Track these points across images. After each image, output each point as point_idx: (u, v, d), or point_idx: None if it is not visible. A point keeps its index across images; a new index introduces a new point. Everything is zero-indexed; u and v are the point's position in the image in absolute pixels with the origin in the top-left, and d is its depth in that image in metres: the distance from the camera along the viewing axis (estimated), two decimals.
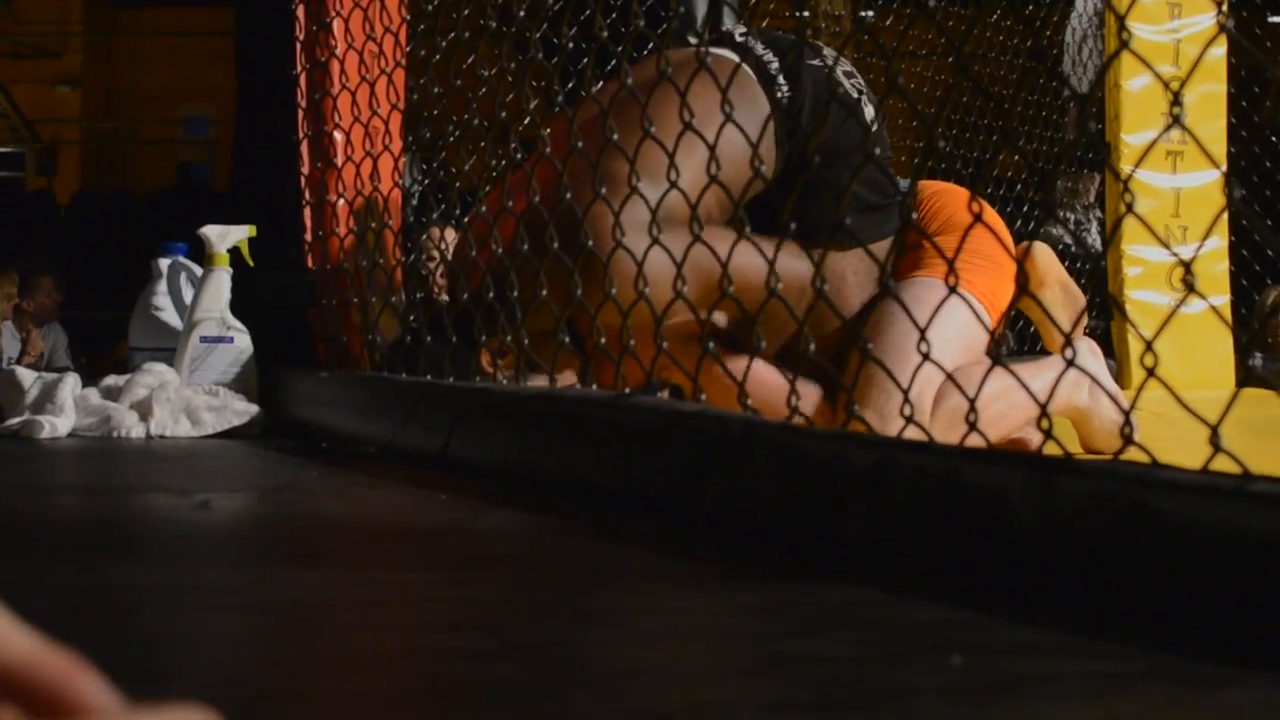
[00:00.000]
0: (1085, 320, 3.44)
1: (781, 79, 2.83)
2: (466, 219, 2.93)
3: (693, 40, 3.14)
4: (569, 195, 2.34)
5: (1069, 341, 1.43)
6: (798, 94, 2.81)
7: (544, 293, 2.36)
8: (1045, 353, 3.67)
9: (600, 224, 2.36)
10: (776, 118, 2.77)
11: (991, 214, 3.06)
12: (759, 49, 2.85)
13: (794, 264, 2.44)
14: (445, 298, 2.69)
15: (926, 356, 1.56)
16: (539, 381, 2.59)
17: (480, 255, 2.63)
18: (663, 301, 2.07)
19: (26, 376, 2.97)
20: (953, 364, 2.66)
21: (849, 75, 2.94)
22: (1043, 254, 3.34)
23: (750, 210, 2.06)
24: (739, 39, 2.90)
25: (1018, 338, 6.12)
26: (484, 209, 2.76)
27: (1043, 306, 3.27)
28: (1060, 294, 3.35)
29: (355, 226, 3.18)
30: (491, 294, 2.53)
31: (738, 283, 1.98)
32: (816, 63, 2.87)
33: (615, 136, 2.25)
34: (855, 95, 2.91)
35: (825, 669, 0.99)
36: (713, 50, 2.57)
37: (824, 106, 2.79)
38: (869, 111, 2.92)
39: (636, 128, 2.20)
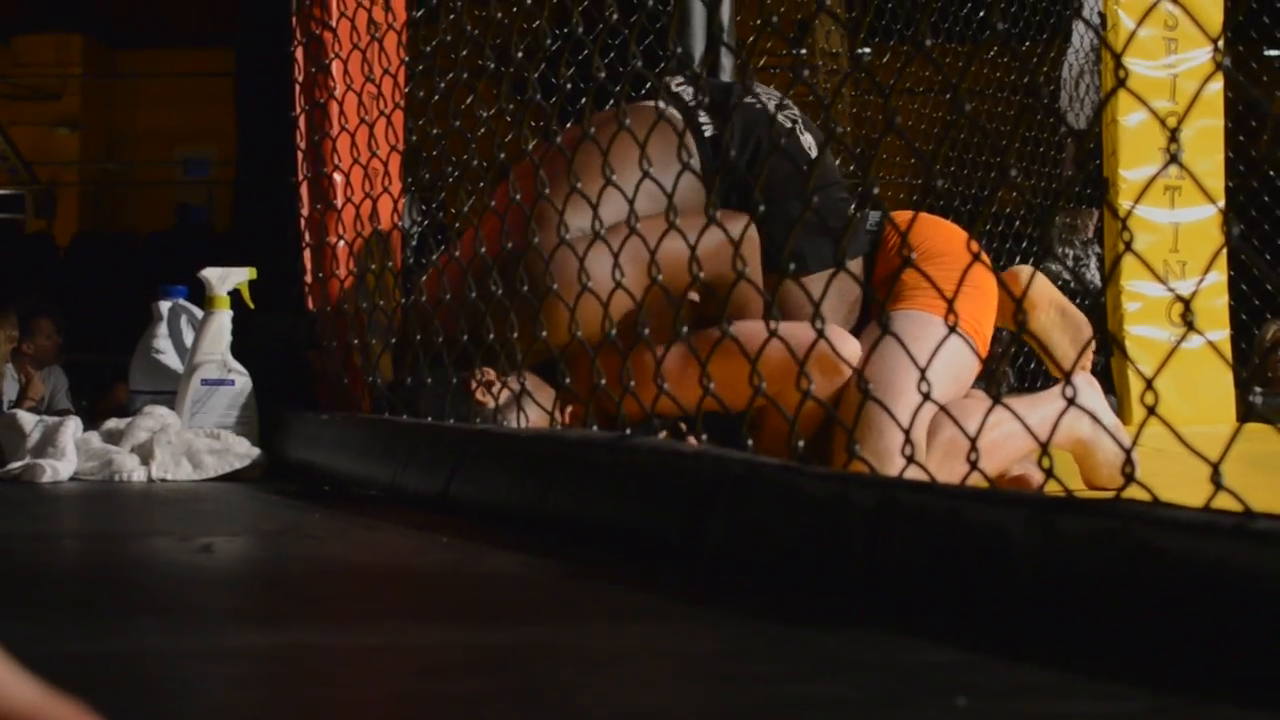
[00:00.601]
0: (1093, 343, 3.42)
1: (705, 119, 2.90)
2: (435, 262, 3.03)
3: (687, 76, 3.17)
4: (530, 240, 2.47)
5: (1067, 377, 1.43)
6: (724, 133, 2.87)
7: (543, 333, 2.39)
8: (1047, 385, 3.67)
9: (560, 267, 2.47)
10: (703, 157, 2.84)
11: (961, 236, 3.07)
12: (688, 94, 2.94)
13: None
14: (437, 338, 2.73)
15: (927, 396, 1.56)
16: (537, 413, 2.63)
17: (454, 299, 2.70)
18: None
19: (28, 420, 2.97)
20: (942, 396, 2.67)
21: (782, 108, 2.98)
22: (1032, 279, 3.33)
23: None
24: (674, 88, 2.99)
25: (1017, 374, 6.12)
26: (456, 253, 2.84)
27: (1036, 336, 3.27)
28: (1056, 316, 3.34)
29: (355, 268, 3.18)
30: (465, 336, 2.60)
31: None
32: (749, 100, 2.92)
33: (547, 190, 2.44)
34: (789, 125, 2.97)
35: (829, 711, 0.99)
36: (640, 104, 2.67)
37: (753, 141, 2.84)
38: (806, 139, 2.97)
39: (565, 181, 2.34)
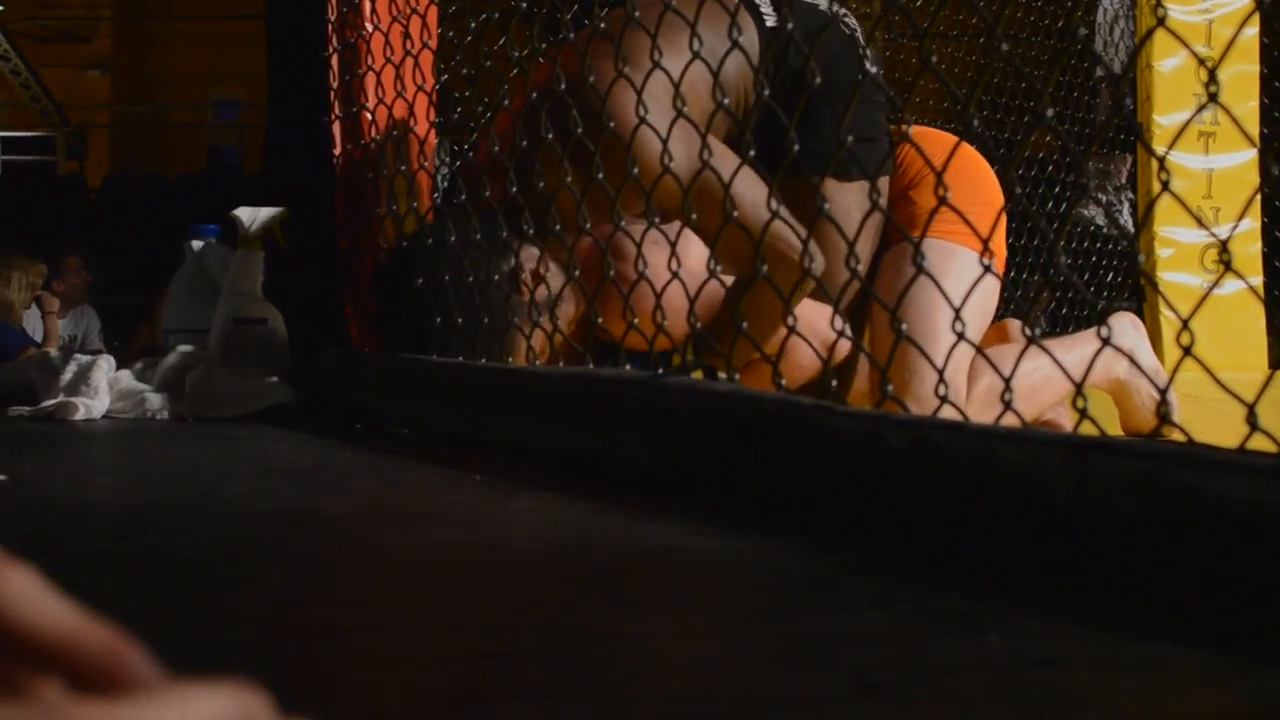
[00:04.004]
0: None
1: (768, 8, 2.85)
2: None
3: None
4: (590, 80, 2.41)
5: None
6: (784, 23, 2.80)
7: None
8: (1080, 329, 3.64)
9: (620, 109, 2.42)
10: (763, 43, 2.78)
11: (966, 150, 3.02)
12: None
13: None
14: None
15: (961, 336, 1.55)
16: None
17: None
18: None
19: (61, 359, 2.98)
20: (975, 331, 2.65)
21: (841, 16, 2.94)
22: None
23: (753, 138, 2.08)
24: None
25: (1049, 319, 6.10)
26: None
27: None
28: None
29: (386, 207, 3.18)
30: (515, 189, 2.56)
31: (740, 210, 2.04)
32: (811, 1, 2.89)
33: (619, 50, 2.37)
34: (847, 34, 2.92)
35: (862, 649, 0.99)
36: None
37: (814, 36, 2.78)
38: (862, 50, 2.93)
39: (638, 39, 2.29)
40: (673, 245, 2.06)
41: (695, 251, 2.52)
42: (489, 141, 2.76)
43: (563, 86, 2.43)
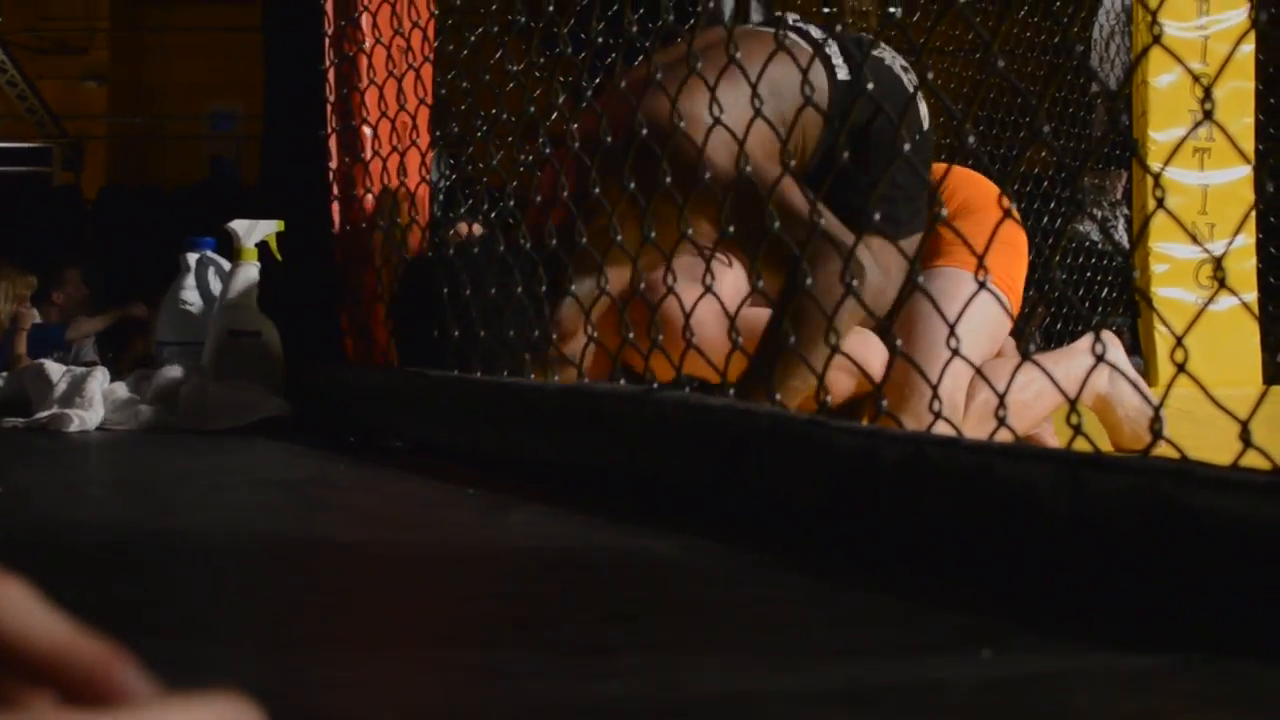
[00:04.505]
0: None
1: (839, 59, 2.80)
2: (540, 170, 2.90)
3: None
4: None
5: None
6: (856, 80, 2.76)
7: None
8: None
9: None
10: (834, 95, 2.74)
11: (990, 188, 3.03)
12: (816, 33, 2.83)
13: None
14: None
15: (956, 353, 1.55)
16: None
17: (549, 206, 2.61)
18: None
19: (55, 370, 2.98)
20: (980, 356, 2.66)
21: (905, 70, 2.91)
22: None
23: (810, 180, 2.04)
24: (794, 23, 2.88)
25: (1044, 334, 6.10)
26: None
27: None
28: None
29: (382, 221, 3.18)
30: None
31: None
32: (875, 53, 2.84)
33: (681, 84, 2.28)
34: (911, 90, 2.89)
35: (855, 662, 0.99)
36: (757, 29, 2.59)
37: (881, 95, 2.74)
38: (922, 107, 2.90)
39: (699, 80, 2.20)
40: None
41: (730, 281, 2.53)
42: (536, 188, 2.75)
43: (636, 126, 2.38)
